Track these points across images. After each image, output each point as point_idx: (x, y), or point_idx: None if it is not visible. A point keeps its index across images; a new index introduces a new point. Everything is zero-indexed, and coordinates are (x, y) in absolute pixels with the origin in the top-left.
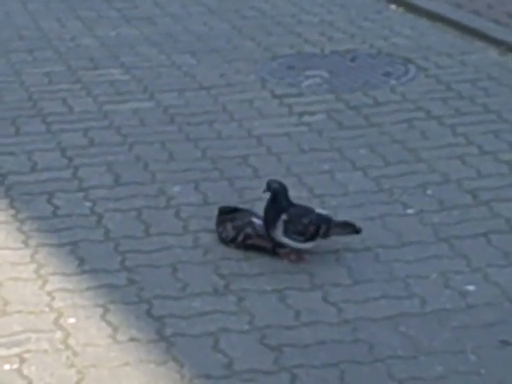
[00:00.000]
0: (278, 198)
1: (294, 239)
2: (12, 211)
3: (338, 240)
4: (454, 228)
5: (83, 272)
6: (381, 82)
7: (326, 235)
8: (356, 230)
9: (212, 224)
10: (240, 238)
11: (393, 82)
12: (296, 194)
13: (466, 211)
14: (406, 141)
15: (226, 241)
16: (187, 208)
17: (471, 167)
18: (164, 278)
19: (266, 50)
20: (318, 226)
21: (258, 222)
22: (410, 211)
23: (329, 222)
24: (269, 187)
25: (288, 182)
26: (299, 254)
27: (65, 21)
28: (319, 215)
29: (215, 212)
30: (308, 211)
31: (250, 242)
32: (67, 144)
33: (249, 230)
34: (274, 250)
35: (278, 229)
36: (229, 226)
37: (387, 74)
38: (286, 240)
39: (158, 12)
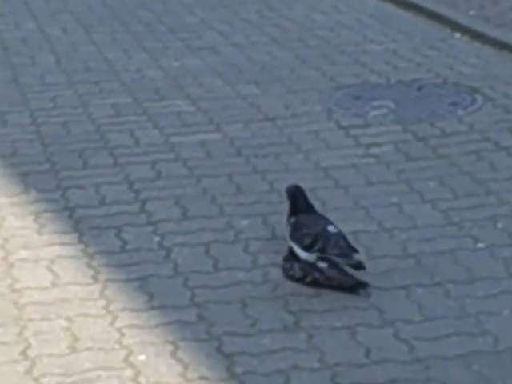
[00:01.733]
0: (294, 200)
1: (295, 243)
2: (81, 246)
3: (407, 275)
4: None
5: (152, 308)
6: (448, 113)
7: (323, 252)
8: (352, 286)
9: (281, 258)
10: (308, 279)
11: (460, 112)
12: (364, 227)
13: None
14: (474, 172)
15: (292, 278)
16: (256, 242)
17: None
18: (233, 314)
19: (330, 80)
20: (313, 241)
21: (332, 230)
22: (480, 245)
23: (327, 242)
24: (288, 193)
25: (356, 216)
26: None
27: (131, 52)
28: (324, 231)
29: (284, 246)
30: (316, 223)
31: (316, 283)
32: (135, 177)
33: (317, 275)
34: (343, 287)
35: (286, 230)
36: (296, 265)
37: (454, 104)
38: (290, 242)
39: (221, 42)
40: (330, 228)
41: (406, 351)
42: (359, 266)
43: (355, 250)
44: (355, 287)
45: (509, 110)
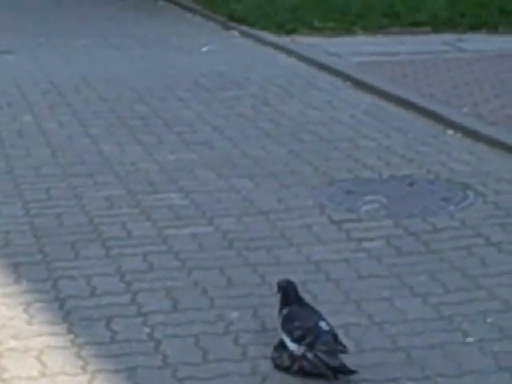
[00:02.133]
0: (286, 294)
1: (285, 334)
2: (70, 336)
3: (396, 368)
4: None
5: None
6: (439, 208)
7: (311, 349)
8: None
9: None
10: (294, 368)
11: (451, 207)
12: (354, 321)
13: None
14: (465, 268)
15: (280, 367)
16: (245, 334)
17: None
18: None
19: (323, 175)
20: (303, 334)
21: (324, 327)
22: (470, 339)
23: (317, 338)
24: (278, 286)
25: (347, 309)
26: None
27: (126, 145)
28: (316, 326)
29: (274, 339)
30: (309, 317)
31: (303, 371)
32: (126, 268)
33: (304, 363)
34: (330, 375)
35: (278, 321)
36: (285, 354)
37: (446, 200)
38: (281, 333)
39: (216, 136)
40: (322, 324)
41: None
42: (342, 371)
43: (344, 347)
44: (342, 371)
45: (499, 206)
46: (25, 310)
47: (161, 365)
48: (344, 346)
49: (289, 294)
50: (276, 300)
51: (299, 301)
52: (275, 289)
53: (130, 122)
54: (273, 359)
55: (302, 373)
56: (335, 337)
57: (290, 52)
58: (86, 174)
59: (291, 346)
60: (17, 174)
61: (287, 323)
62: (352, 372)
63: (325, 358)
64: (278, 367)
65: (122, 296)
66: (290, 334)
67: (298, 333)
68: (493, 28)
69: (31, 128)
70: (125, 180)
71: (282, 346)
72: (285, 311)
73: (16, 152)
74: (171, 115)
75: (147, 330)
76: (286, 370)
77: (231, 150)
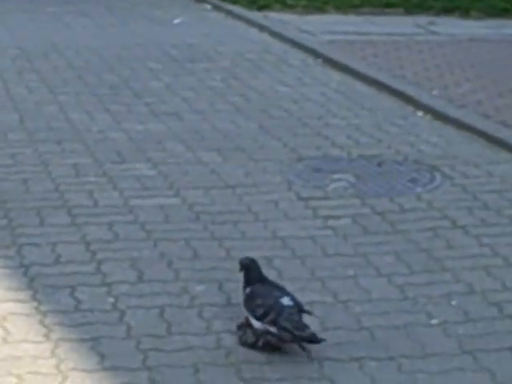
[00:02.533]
0: (249, 272)
1: (248, 312)
2: (34, 303)
3: (360, 347)
4: (478, 341)
5: (104, 369)
6: (407, 189)
7: (274, 324)
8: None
9: (235, 325)
10: (259, 343)
11: (419, 189)
12: (320, 299)
13: (490, 324)
14: (431, 249)
15: (245, 344)
16: (210, 308)
17: (496, 279)
18: (185, 380)
19: (292, 151)
20: (266, 312)
21: (286, 302)
22: (434, 321)
23: (279, 315)
24: (241, 265)
25: (312, 287)
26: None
27: (94, 113)
28: (276, 303)
29: (238, 313)
30: (270, 294)
31: (269, 346)
32: (91, 237)
33: (268, 337)
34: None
35: (242, 300)
36: (249, 331)
37: (413, 181)
38: (245, 311)
39: (185, 108)
40: (285, 300)
41: None
42: (312, 339)
43: (306, 326)
44: (310, 340)
45: (467, 189)
46: None
47: (124, 336)
48: (306, 324)
49: (251, 272)
50: (240, 276)
51: (262, 279)
52: (238, 267)
53: (99, 91)
54: (238, 337)
55: (269, 348)
56: (300, 313)
57: (262, 27)
58: (53, 141)
59: (255, 323)
60: None
61: (249, 302)
62: (321, 340)
63: (290, 329)
64: (244, 344)
65: (87, 265)
66: (252, 312)
67: (259, 311)
68: (465, 12)
69: None
70: (92, 148)
71: (247, 323)
72: (247, 290)
73: None
74: (141, 85)
75: (111, 299)
76: (252, 346)
77: (200, 123)
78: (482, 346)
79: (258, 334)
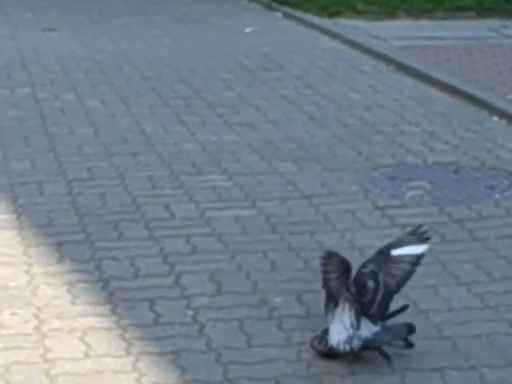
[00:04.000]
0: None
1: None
2: (114, 317)
3: (441, 357)
4: None
5: (185, 383)
6: (484, 196)
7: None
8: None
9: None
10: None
11: (497, 195)
12: None
13: None
14: (510, 256)
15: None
16: (290, 320)
17: None
18: None
19: (367, 160)
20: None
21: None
22: None
23: None
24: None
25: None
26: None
27: (168, 125)
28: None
29: (318, 325)
30: None
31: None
32: (169, 250)
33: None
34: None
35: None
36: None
37: (491, 188)
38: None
39: (259, 118)
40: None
41: None
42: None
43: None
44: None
45: None
46: (68, 290)
47: (204, 349)
48: None
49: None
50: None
51: None
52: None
53: (172, 102)
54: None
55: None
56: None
57: (333, 34)
58: (128, 154)
59: None
60: (59, 152)
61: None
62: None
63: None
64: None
65: (166, 278)
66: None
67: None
68: None
69: (73, 106)
70: (167, 160)
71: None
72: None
73: (58, 130)
74: (213, 96)
75: (191, 312)
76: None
77: (274, 133)
78: None
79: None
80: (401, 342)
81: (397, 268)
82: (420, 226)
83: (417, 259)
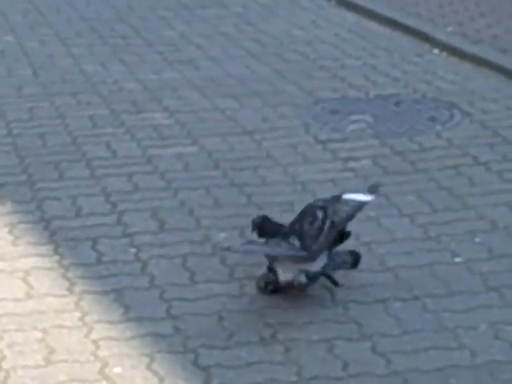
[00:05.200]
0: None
1: None
2: (56, 257)
3: (385, 288)
4: (503, 277)
5: (128, 320)
6: (426, 128)
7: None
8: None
9: (258, 271)
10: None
11: (438, 127)
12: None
13: None
14: (453, 187)
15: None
16: (233, 255)
17: None
18: (210, 327)
19: (308, 94)
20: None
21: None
22: (458, 259)
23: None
24: (253, 224)
25: None
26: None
27: (108, 64)
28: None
29: (261, 259)
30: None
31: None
32: (111, 189)
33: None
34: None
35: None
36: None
37: (432, 119)
38: None
39: (199, 55)
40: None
41: (383, 365)
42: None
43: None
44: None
45: (486, 125)
46: (9, 232)
47: (148, 286)
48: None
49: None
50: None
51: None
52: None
53: (112, 42)
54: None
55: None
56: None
57: None
58: (68, 94)
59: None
60: None
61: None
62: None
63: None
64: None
65: (108, 217)
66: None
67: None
68: None
69: (12, 48)
70: (108, 99)
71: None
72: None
73: None
74: (153, 34)
75: (133, 250)
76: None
77: (215, 70)
78: (507, 282)
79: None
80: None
81: (342, 210)
82: (378, 185)
83: (360, 205)
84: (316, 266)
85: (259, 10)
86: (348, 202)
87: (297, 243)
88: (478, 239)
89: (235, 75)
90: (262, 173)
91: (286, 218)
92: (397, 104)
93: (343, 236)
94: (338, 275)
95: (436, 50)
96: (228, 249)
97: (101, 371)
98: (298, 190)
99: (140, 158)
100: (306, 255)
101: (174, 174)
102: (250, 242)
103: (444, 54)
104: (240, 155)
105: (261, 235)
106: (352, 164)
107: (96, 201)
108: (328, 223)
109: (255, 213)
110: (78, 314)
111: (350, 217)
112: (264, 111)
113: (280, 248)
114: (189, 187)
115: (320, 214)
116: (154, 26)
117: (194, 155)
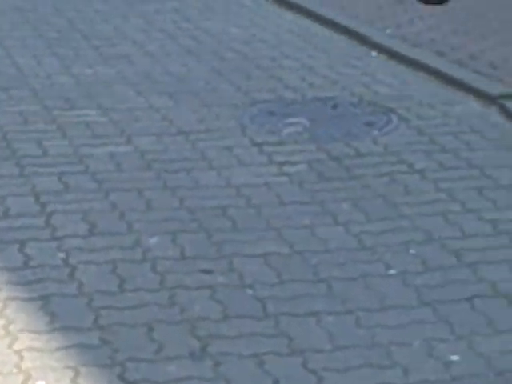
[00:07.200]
0: None
1: None
2: None
3: (317, 301)
4: (437, 291)
5: (54, 330)
6: (363, 132)
7: None
8: None
9: (189, 280)
10: None
11: (375, 132)
12: (276, 250)
13: (449, 273)
14: (388, 195)
15: None
16: (164, 262)
17: (454, 225)
18: (139, 339)
19: (245, 95)
20: None
21: None
22: (392, 272)
23: None
24: None
25: (268, 236)
26: None
27: (41, 58)
28: None
29: (192, 267)
30: None
31: None
32: (41, 189)
33: None
34: None
35: None
36: None
37: (369, 124)
38: None
39: (135, 51)
40: None
41: (314, 382)
42: None
43: None
44: None
45: (423, 131)
46: None
47: (76, 293)
48: None
49: None
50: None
51: None
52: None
53: (46, 34)
54: None
55: None
56: None
57: None
58: None
59: None
60: None
61: None
62: None
63: None
64: None
65: (37, 218)
66: None
67: None
68: None
69: None
70: (40, 94)
71: None
72: None
73: None
74: (89, 28)
75: (62, 255)
76: None
77: (151, 66)
78: (440, 297)
79: None
80: None
81: None
82: None
83: None
84: None
85: (198, 6)
86: None
87: None
88: (412, 251)
89: (172, 72)
90: (196, 175)
91: (218, 223)
92: (334, 107)
93: None
94: (272, 285)
95: (374, 53)
96: None
97: None
98: (232, 195)
99: (71, 156)
100: None
101: (105, 174)
102: None
103: (383, 56)
104: (174, 156)
105: None
106: (287, 168)
107: (25, 201)
108: None
109: (187, 217)
110: (2, 322)
111: None
112: (200, 111)
113: None
114: (120, 189)
115: None
116: (90, 19)
117: (127, 155)
